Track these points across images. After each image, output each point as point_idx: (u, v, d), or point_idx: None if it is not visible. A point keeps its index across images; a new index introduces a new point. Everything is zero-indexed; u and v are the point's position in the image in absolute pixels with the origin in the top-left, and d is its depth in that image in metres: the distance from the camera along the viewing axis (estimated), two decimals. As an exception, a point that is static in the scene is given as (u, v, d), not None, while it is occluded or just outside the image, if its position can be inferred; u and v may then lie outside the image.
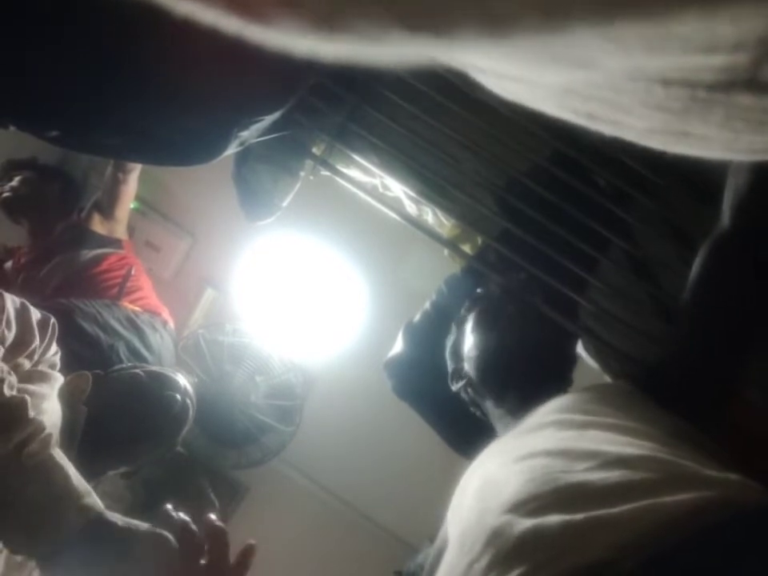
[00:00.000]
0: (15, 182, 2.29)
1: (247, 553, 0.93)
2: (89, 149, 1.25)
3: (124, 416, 1.27)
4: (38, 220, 2.30)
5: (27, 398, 0.93)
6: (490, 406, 1.05)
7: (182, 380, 1.45)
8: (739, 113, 0.27)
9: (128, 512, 2.10)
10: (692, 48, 0.23)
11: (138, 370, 1.38)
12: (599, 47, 0.23)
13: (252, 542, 0.93)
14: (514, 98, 0.32)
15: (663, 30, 0.21)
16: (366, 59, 0.25)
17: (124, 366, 1.58)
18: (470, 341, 1.09)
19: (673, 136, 0.29)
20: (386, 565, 1.54)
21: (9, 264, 2.33)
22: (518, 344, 1.02)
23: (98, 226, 2.23)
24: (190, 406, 1.45)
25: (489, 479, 0.76)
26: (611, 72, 0.26)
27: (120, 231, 2.27)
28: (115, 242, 2.24)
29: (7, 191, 2.27)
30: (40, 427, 0.92)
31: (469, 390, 1.10)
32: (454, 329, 1.16)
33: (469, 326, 1.10)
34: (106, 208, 2.22)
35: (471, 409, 1.12)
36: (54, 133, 1.08)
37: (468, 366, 1.08)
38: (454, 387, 1.12)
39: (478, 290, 1.16)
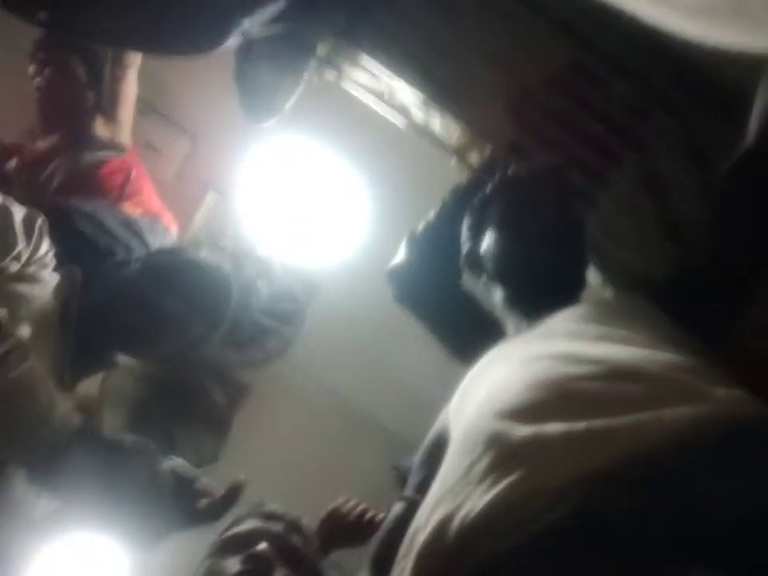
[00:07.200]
0: (48, 71, 2.11)
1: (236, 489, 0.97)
2: (83, 34, 1.19)
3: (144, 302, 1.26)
4: (69, 115, 2.16)
5: (3, 313, 0.94)
6: (500, 301, 1.02)
7: (219, 262, 1.42)
8: None
9: (131, 410, 2.16)
10: None
11: (175, 255, 1.36)
12: None
13: (242, 477, 0.97)
14: None
15: None
16: None
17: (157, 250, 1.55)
18: (493, 235, 1.03)
19: (722, 16, 0.26)
20: (385, 461, 1.60)
21: (12, 163, 2.27)
22: (541, 247, 0.98)
23: (100, 128, 2.17)
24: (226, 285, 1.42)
25: (495, 382, 0.76)
26: None
27: (124, 135, 2.21)
28: (118, 146, 2.19)
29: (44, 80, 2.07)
30: (18, 343, 0.94)
31: (481, 280, 1.05)
32: (475, 206, 1.10)
33: (495, 216, 1.05)
34: (108, 109, 2.15)
35: (474, 298, 1.08)
36: (43, 14, 1.01)
37: (487, 260, 1.04)
38: (466, 272, 1.08)
39: (509, 172, 1.09)
